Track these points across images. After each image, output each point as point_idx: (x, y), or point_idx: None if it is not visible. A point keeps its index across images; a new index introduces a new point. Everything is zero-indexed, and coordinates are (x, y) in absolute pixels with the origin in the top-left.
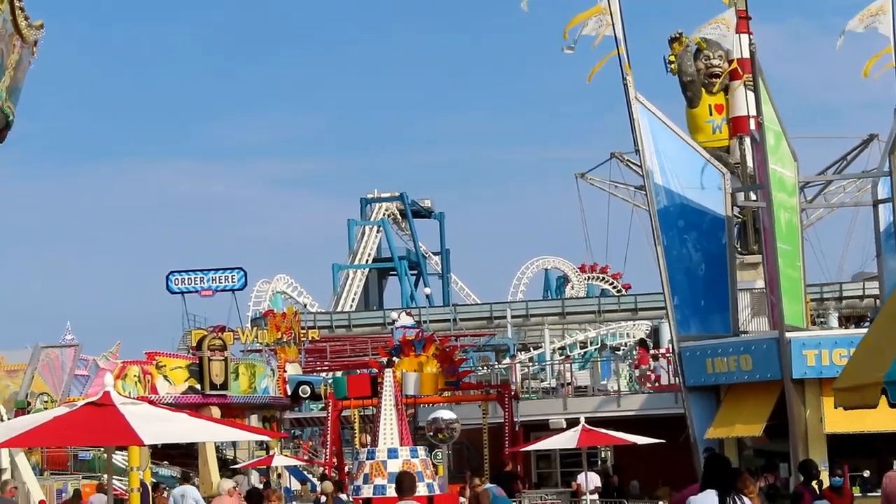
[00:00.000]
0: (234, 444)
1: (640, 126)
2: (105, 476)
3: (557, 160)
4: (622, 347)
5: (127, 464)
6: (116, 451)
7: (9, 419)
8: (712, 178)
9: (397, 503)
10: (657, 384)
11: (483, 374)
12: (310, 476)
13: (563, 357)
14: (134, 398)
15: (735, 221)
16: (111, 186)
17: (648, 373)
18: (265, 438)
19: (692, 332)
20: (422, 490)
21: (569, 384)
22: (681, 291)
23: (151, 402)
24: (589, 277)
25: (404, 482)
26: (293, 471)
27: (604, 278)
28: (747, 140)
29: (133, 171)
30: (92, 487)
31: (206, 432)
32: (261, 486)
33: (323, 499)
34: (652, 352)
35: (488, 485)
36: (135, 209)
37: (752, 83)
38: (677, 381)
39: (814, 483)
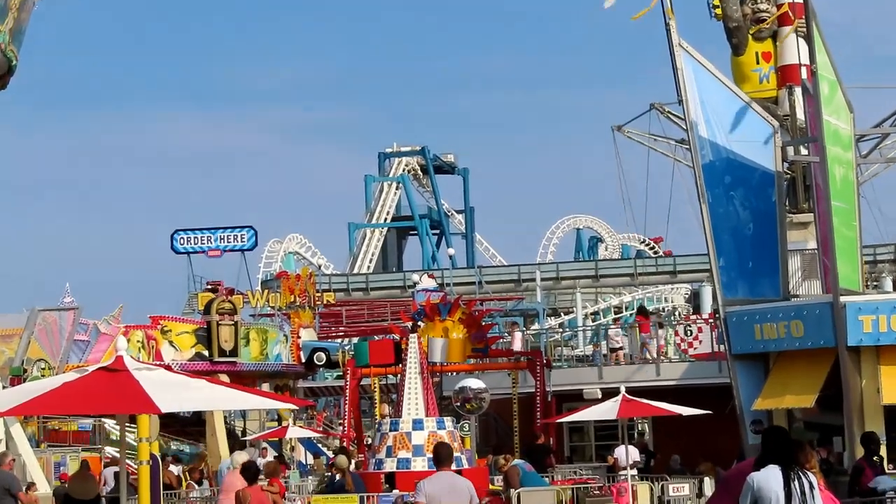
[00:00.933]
0: (243, 414)
1: (683, 74)
2: (107, 448)
3: (592, 112)
4: (661, 312)
5: (136, 436)
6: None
7: (4, 387)
8: (761, 131)
9: (434, 474)
10: (664, 356)
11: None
12: (324, 449)
13: (613, 320)
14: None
15: (783, 178)
16: (110, 137)
17: (648, 342)
18: (289, 406)
19: (739, 295)
20: None
21: (619, 349)
22: (727, 252)
23: (167, 368)
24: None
25: (441, 452)
26: (307, 443)
27: (642, 240)
28: (797, 90)
29: (134, 121)
30: (93, 461)
31: (226, 400)
32: (259, 460)
33: (338, 476)
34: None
35: (517, 460)
36: (136, 162)
37: (803, 29)
38: (722, 348)
39: (874, 458)
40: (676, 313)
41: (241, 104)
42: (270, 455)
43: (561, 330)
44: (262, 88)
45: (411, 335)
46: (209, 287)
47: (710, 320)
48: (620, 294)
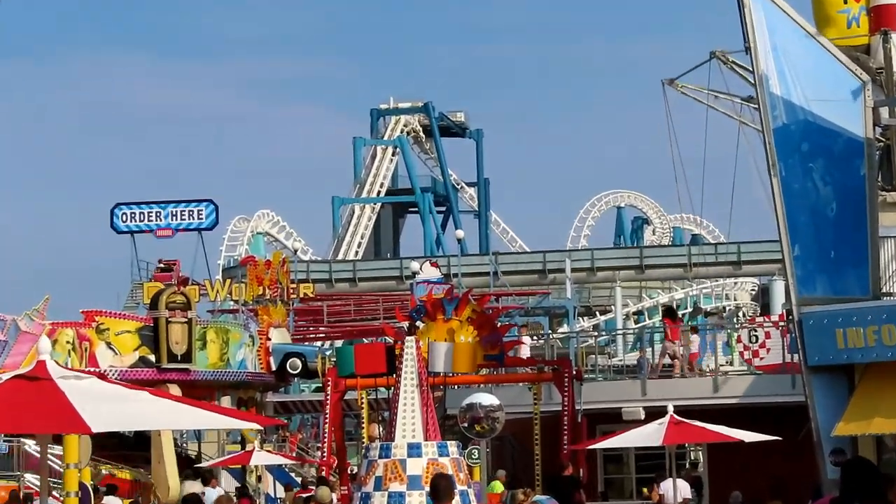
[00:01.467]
0: (198, 435)
1: (751, 16)
2: (27, 476)
3: (637, 63)
4: (722, 313)
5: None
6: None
7: None
8: (848, 88)
9: None
10: (691, 366)
11: (534, 346)
12: (298, 479)
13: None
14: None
15: (874, 146)
16: (36, 91)
17: (672, 352)
18: (254, 426)
19: (818, 293)
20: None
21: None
22: (803, 238)
23: (101, 376)
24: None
25: (440, 486)
26: (277, 472)
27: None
28: (895, 37)
29: (69, 70)
30: (8, 491)
31: (177, 417)
32: (210, 491)
33: None
34: (690, 323)
35: (539, 496)
36: (69, 121)
37: None
38: (796, 358)
39: None
40: (740, 314)
41: (202, 53)
42: (223, 486)
43: (596, 333)
44: (229, 35)
45: (408, 338)
46: (161, 267)
47: (782, 323)
48: (671, 289)
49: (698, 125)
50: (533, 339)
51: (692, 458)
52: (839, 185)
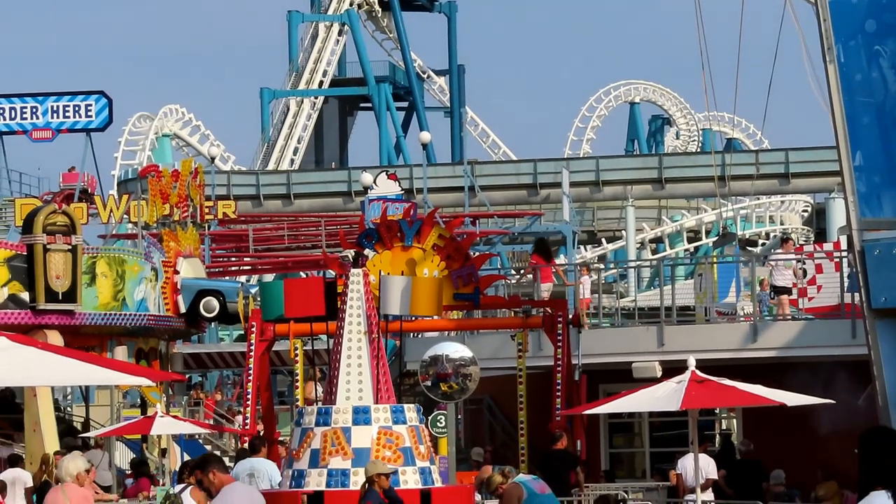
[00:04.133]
0: (85, 397)
1: None
2: None
3: None
4: (763, 241)
5: None
6: None
7: None
8: None
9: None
10: (589, 312)
11: (520, 283)
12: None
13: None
14: None
15: None
16: None
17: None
18: (144, 382)
19: (885, 214)
20: (411, 477)
21: (787, 291)
22: (867, 144)
23: None
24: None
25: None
26: (187, 444)
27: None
28: None
29: None
30: None
31: (53, 372)
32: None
33: None
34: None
35: (521, 476)
36: None
37: None
38: (856, 299)
39: None
40: (794, 240)
41: None
42: (118, 462)
43: (601, 267)
44: None
45: (354, 271)
46: (71, 172)
47: (838, 253)
48: (699, 209)
49: None
50: (523, 276)
51: (723, 426)
52: None
